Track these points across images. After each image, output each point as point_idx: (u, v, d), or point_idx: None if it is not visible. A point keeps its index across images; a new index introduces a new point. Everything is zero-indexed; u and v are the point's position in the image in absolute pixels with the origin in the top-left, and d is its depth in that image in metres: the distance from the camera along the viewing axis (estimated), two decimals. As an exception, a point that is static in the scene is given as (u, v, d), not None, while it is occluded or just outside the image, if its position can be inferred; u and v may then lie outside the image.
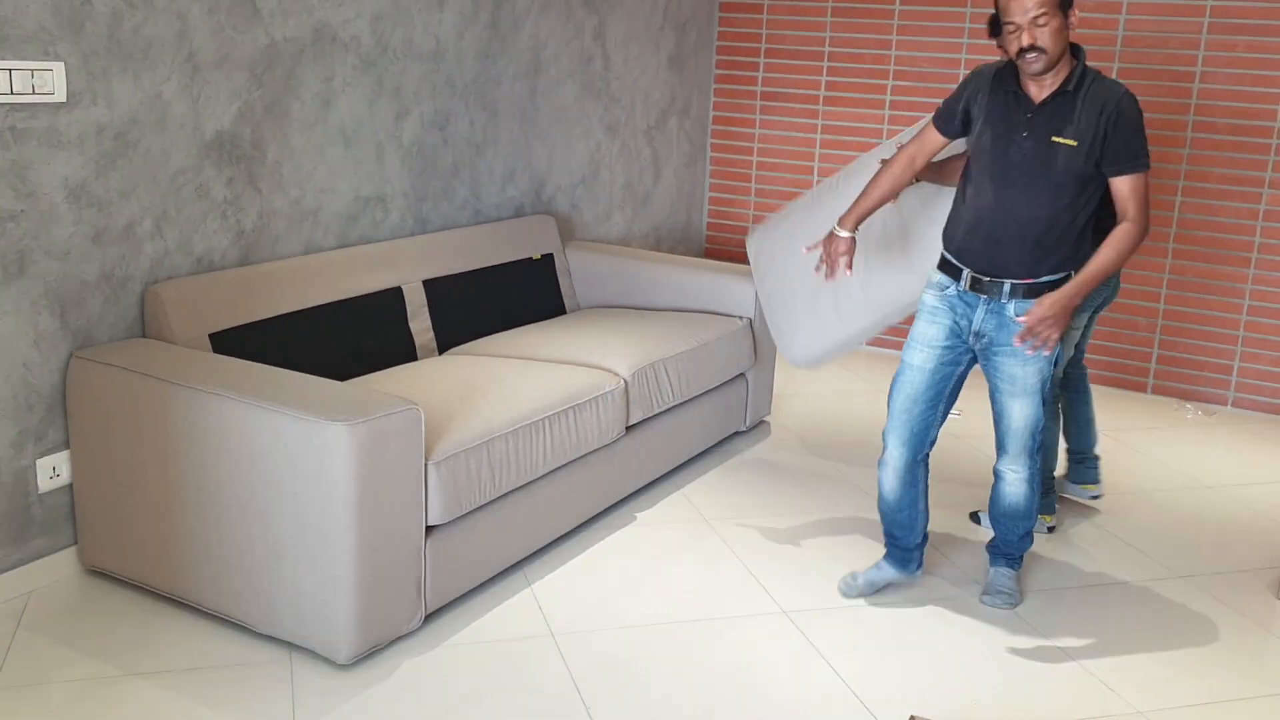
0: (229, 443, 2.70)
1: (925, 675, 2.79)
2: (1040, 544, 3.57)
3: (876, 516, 3.71)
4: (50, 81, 2.83)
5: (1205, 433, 4.75)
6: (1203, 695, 2.76)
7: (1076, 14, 2.77)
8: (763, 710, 2.61)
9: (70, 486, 3.07)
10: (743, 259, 5.85)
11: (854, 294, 3.59)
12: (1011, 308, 2.88)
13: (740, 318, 4.26)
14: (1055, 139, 2.78)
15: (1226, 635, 3.06)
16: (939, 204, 3.35)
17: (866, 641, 2.95)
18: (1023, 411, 2.98)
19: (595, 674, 2.73)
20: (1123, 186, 2.78)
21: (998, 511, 3.15)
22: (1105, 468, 4.29)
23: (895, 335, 5.71)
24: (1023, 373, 2.93)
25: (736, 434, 4.41)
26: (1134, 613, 3.16)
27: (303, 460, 2.60)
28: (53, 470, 3.01)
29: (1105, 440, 4.60)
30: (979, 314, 2.92)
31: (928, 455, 3.10)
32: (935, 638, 2.98)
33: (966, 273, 2.92)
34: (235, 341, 3.21)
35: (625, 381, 3.56)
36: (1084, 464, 3.85)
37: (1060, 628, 3.05)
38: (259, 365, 2.96)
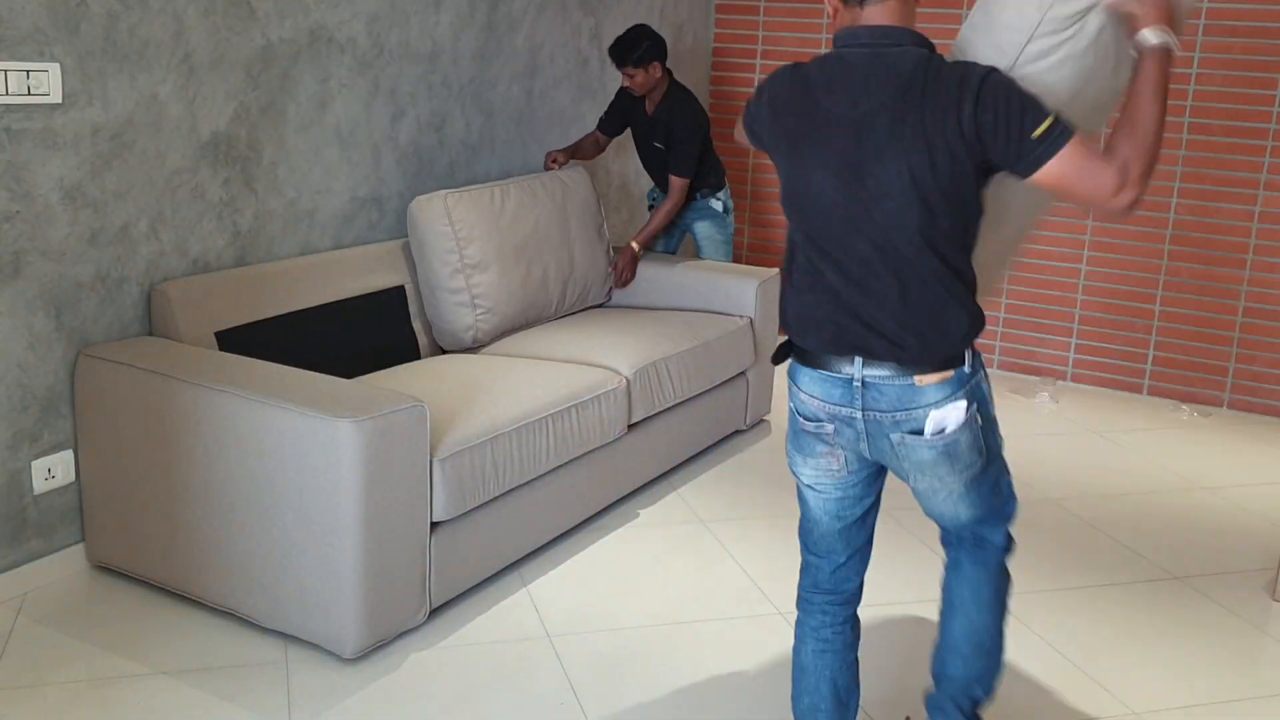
0: (237, 439, 2.71)
1: (922, 676, 2.79)
2: (1036, 546, 3.57)
3: (873, 518, 3.72)
4: (46, 82, 2.82)
5: (1201, 434, 4.76)
6: (1198, 697, 2.76)
7: None
8: (759, 712, 2.61)
9: (67, 488, 3.06)
10: (739, 259, 5.86)
11: None
12: None
13: (740, 317, 4.27)
14: None
15: (1222, 637, 3.07)
16: None
17: (863, 643, 2.94)
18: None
19: (592, 674, 2.73)
20: None
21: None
22: (1103, 469, 4.30)
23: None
24: None
25: (737, 432, 4.41)
26: (1130, 614, 3.17)
27: (310, 456, 2.61)
28: (48, 472, 3.01)
29: (1102, 441, 4.60)
30: None
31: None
32: (931, 638, 2.97)
33: None
34: (241, 340, 3.22)
35: (627, 380, 3.56)
36: None
37: (1056, 629, 3.05)
38: (266, 363, 2.97)
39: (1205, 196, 4.94)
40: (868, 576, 3.29)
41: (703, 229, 4.82)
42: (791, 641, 2.93)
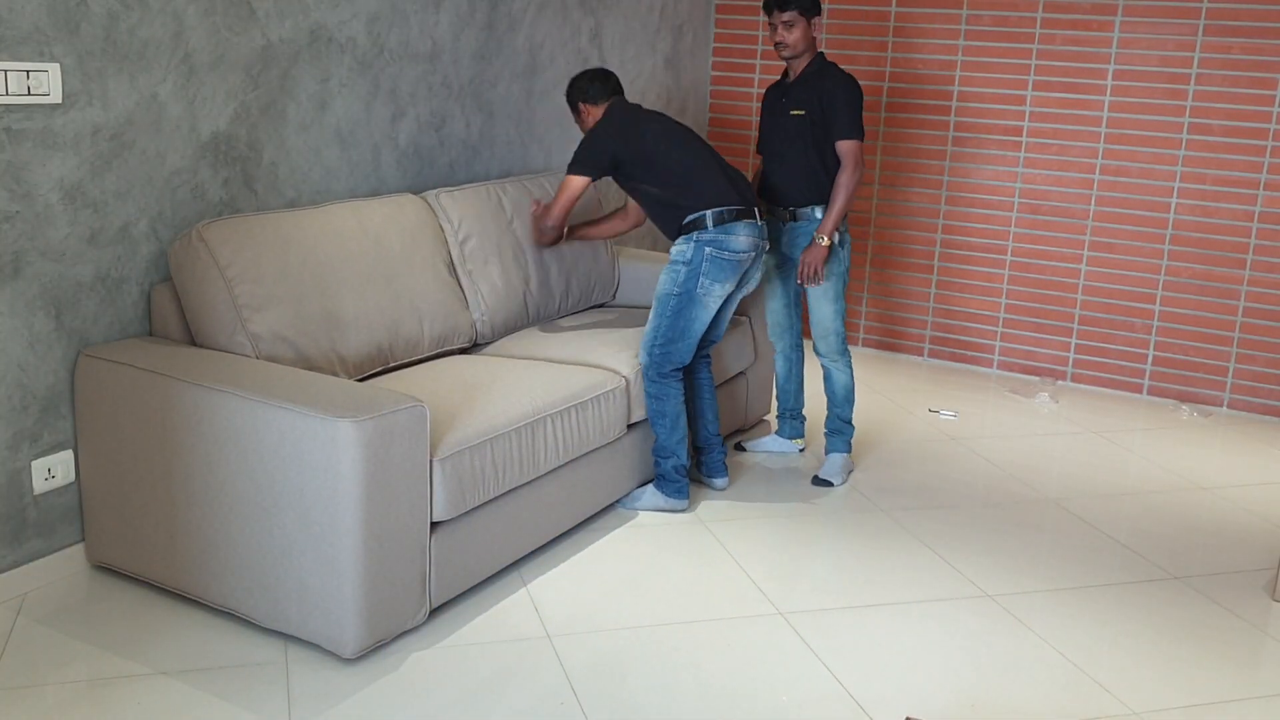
0: (237, 439, 2.71)
1: (921, 676, 2.80)
2: (1036, 545, 3.58)
3: (873, 517, 3.72)
4: (46, 82, 2.82)
5: (1201, 434, 4.76)
6: (1198, 696, 2.76)
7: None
8: (758, 711, 2.61)
9: (67, 488, 3.06)
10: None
11: None
12: None
13: (740, 317, 4.26)
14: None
15: (1222, 636, 3.07)
16: None
17: (862, 642, 2.95)
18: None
19: (592, 674, 2.73)
20: None
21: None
22: (1103, 469, 4.30)
23: (890, 336, 5.72)
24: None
25: (737, 432, 4.42)
26: (1130, 614, 3.17)
27: (310, 456, 2.61)
28: (48, 472, 3.01)
29: (1102, 441, 4.61)
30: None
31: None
32: (931, 638, 2.98)
33: None
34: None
35: (627, 380, 3.56)
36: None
37: (1056, 628, 3.05)
38: (266, 363, 2.97)
39: (1205, 196, 4.94)
40: (868, 575, 3.31)
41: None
42: (789, 641, 2.94)
